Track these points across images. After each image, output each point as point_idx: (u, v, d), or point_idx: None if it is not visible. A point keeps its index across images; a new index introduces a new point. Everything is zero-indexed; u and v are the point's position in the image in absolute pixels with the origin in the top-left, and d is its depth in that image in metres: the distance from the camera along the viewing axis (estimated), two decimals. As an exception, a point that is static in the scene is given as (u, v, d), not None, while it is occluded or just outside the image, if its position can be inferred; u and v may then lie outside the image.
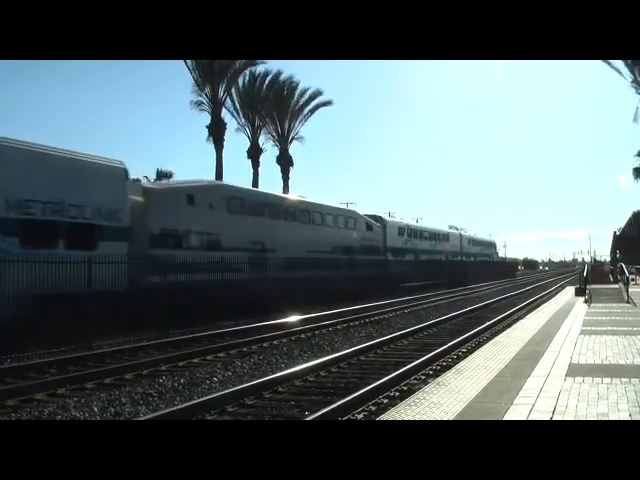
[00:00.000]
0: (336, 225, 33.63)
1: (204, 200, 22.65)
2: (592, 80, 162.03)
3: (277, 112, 47.50)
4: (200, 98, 41.05)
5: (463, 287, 42.06)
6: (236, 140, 47.54)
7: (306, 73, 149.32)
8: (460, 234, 64.48)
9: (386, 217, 43.35)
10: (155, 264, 18.68)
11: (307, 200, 32.66)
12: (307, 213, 30.89)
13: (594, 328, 12.33)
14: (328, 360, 12.01)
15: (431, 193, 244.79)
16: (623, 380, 6.97)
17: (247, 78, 44.74)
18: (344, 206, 43.91)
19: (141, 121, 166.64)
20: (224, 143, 41.44)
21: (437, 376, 8.73)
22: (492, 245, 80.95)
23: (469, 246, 63.92)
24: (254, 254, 24.31)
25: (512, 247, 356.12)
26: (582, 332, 11.70)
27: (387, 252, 40.25)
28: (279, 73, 46.25)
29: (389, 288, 33.50)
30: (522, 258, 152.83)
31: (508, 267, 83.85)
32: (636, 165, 51.03)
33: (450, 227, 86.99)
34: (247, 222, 24.86)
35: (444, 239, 55.88)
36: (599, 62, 43.94)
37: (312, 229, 30.59)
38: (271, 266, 24.48)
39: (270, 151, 48.72)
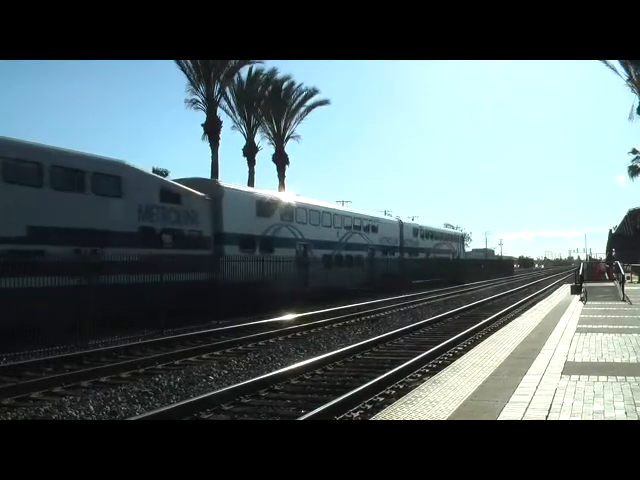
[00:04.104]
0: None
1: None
2: (588, 79, 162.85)
3: (273, 111, 47.40)
4: (195, 96, 40.96)
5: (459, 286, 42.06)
6: (232, 138, 47.86)
7: (303, 71, 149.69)
8: (400, 222, 46.33)
9: (224, 183, 25.65)
10: None
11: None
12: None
13: (590, 326, 12.36)
14: (324, 358, 12.03)
15: (427, 192, 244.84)
16: (619, 378, 7.00)
17: (243, 76, 44.73)
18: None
19: (136, 119, 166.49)
20: (220, 141, 41.39)
21: (433, 374, 8.74)
22: (456, 238, 64.38)
23: (416, 239, 48.03)
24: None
25: (508, 245, 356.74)
26: (578, 330, 11.73)
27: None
28: (275, 72, 46.17)
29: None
30: (518, 256, 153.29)
31: (505, 265, 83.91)
32: (631, 163, 51.18)
33: (446, 225, 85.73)
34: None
35: (365, 227, 38.34)
36: (596, 61, 44.16)
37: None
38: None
39: (266, 149, 48.69)
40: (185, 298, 18.11)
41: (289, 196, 31.57)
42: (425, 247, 49.69)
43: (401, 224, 45.48)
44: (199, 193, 22.71)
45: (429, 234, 52.28)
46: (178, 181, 23.25)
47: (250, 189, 29.93)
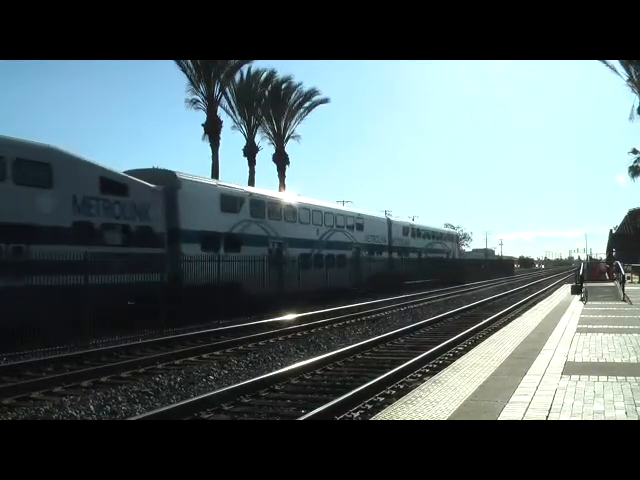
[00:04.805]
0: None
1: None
2: (588, 79, 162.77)
3: (273, 110, 47.42)
4: (195, 96, 41.00)
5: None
6: (232, 138, 47.80)
7: (302, 71, 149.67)
8: (389, 219, 43.94)
9: (182, 174, 22.65)
10: None
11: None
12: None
13: (590, 326, 12.36)
14: (324, 358, 12.02)
15: (427, 192, 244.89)
16: (619, 378, 6.99)
17: (243, 76, 44.75)
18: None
19: (136, 119, 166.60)
20: (220, 141, 41.46)
21: (433, 374, 8.74)
22: (451, 238, 61.15)
23: (407, 237, 45.62)
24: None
25: (508, 245, 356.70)
26: (578, 330, 11.72)
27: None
28: (275, 72, 46.24)
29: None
30: (518, 256, 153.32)
31: (505, 266, 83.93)
32: (631, 163, 51.16)
33: (446, 225, 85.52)
34: None
35: (349, 225, 35.75)
36: (596, 61, 44.17)
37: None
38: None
39: (266, 149, 48.74)
40: (125, 302, 16.64)
41: (260, 190, 28.96)
42: (416, 246, 47.08)
43: (389, 222, 42.97)
44: (150, 184, 20.14)
45: (421, 233, 49.75)
46: (132, 172, 20.80)
47: (214, 181, 25.93)
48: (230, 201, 24.53)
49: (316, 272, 29.58)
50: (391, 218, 44.58)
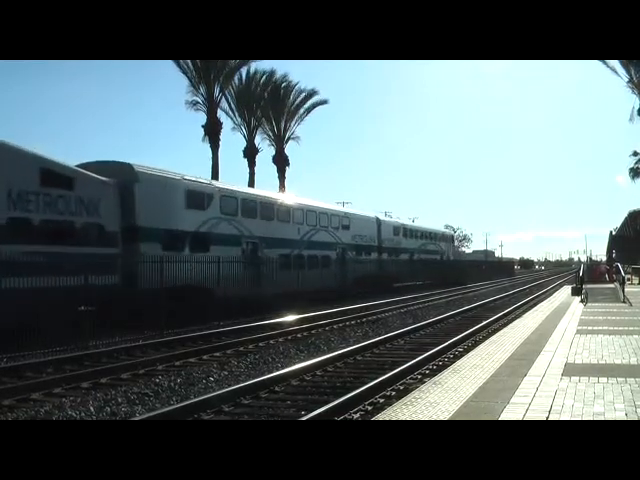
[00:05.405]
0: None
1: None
2: (588, 79, 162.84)
3: (273, 112, 47.49)
4: (195, 98, 41.06)
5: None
6: (232, 140, 47.76)
7: (302, 71, 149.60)
8: (378, 218, 41.47)
9: (140, 167, 20.83)
10: None
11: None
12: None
13: (590, 328, 12.35)
14: (324, 359, 12.02)
15: (427, 193, 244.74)
16: (619, 380, 6.98)
17: (242, 77, 44.78)
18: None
19: (136, 119, 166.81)
20: (220, 143, 41.48)
21: (433, 375, 8.73)
22: (445, 238, 58.65)
23: (398, 238, 43.59)
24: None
25: (508, 247, 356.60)
26: (578, 332, 11.71)
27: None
28: (274, 73, 46.29)
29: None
30: (518, 258, 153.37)
31: (506, 267, 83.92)
32: (632, 165, 51.18)
33: (446, 227, 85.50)
34: None
35: (334, 224, 33.75)
36: (596, 62, 44.23)
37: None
38: None
39: (266, 151, 48.79)
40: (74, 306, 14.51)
41: (232, 186, 26.67)
42: (408, 247, 45.09)
43: (378, 221, 40.79)
44: (100, 177, 18.19)
45: (413, 233, 47.78)
46: (88, 164, 19.12)
47: (178, 175, 22.54)
48: (197, 197, 22.65)
49: (297, 274, 27.77)
50: (380, 217, 42.43)
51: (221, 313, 19.28)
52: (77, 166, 18.64)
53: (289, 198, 31.32)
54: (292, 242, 28.69)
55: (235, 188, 26.61)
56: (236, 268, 22.38)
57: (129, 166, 20.03)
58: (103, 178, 18.29)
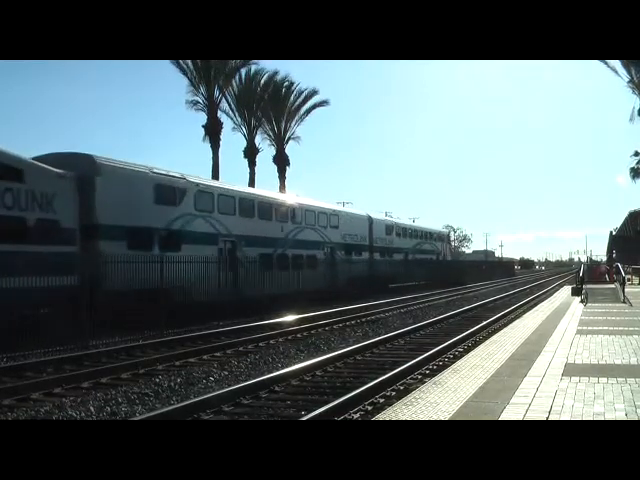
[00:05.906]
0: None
1: None
2: (588, 79, 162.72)
3: (273, 112, 47.46)
4: (196, 98, 41.01)
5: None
6: (233, 140, 47.75)
7: (302, 71, 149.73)
8: (369, 217, 39.47)
9: (101, 158, 19.16)
10: None
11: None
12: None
13: (590, 328, 12.35)
14: (324, 359, 12.01)
15: (427, 193, 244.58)
16: (619, 380, 6.99)
17: (243, 78, 44.75)
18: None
19: (136, 119, 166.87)
20: (220, 143, 41.44)
21: (434, 375, 8.73)
22: (441, 238, 57.04)
23: (391, 237, 42.08)
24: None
25: (508, 247, 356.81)
26: (578, 332, 11.71)
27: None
28: (275, 73, 46.24)
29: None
30: (518, 258, 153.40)
31: (506, 267, 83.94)
32: (632, 165, 51.17)
33: (446, 227, 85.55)
34: None
35: (321, 222, 32.09)
36: (596, 62, 44.23)
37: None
38: None
39: (267, 151, 48.77)
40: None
41: (208, 181, 25.13)
42: (402, 247, 43.60)
43: (370, 220, 38.99)
44: (55, 169, 16.59)
45: (407, 232, 46.12)
46: (39, 158, 17.49)
47: (146, 168, 20.64)
48: (168, 192, 20.98)
49: (280, 275, 26.09)
50: (373, 216, 40.44)
51: (190, 317, 18.06)
52: (35, 158, 17.24)
53: (271, 194, 29.93)
54: (275, 241, 27.17)
55: (211, 183, 25.22)
56: (210, 269, 20.96)
57: (90, 158, 18.49)
58: (58, 170, 16.69)
